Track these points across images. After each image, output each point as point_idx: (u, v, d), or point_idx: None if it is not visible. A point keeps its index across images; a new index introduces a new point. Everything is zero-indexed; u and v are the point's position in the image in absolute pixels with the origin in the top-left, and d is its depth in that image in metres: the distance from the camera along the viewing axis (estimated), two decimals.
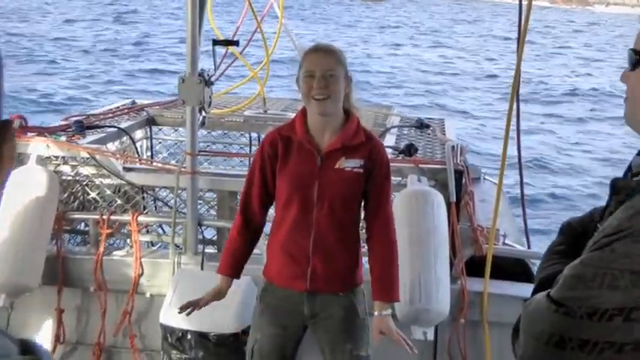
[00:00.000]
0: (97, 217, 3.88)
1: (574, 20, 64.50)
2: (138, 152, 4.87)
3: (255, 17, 5.05)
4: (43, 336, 3.83)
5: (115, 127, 4.56)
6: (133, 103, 5.36)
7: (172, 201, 4.05)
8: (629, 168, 1.38)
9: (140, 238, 3.88)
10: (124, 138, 4.63)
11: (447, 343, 3.66)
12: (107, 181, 4.13)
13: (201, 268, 3.73)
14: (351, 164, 2.70)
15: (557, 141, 16.27)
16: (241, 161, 5.29)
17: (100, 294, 3.81)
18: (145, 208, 4.37)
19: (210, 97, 3.70)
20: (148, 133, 5.18)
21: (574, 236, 1.49)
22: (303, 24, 37.11)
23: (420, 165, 3.80)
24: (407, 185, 3.65)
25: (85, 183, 4.19)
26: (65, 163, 4.08)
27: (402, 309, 3.25)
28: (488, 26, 50.18)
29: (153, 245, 4.25)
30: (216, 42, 4.05)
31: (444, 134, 4.75)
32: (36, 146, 3.90)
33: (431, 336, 3.40)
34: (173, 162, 4.66)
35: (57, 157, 4.02)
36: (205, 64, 3.77)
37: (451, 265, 3.55)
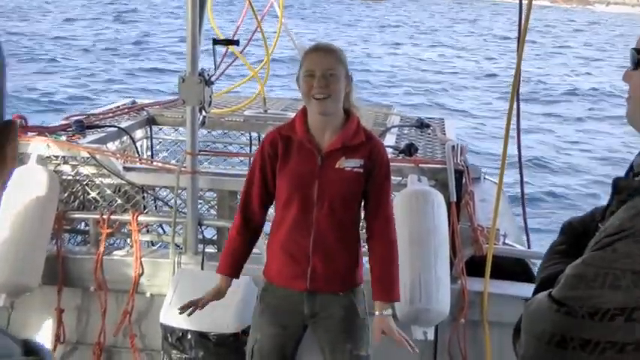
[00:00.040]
0: (97, 216, 3.88)
1: (574, 19, 64.47)
2: (138, 152, 4.87)
3: (255, 16, 5.05)
4: (44, 336, 3.82)
5: (115, 126, 4.57)
6: (133, 102, 5.36)
7: (172, 200, 4.05)
8: (631, 167, 1.38)
9: (140, 238, 3.88)
10: (124, 137, 4.64)
11: (447, 342, 3.66)
12: (107, 180, 4.13)
13: (202, 268, 3.73)
14: (351, 164, 2.70)
15: (556, 140, 16.27)
16: (241, 161, 5.29)
17: (100, 294, 3.81)
18: (145, 207, 4.37)
19: (210, 97, 3.70)
20: (148, 133, 5.18)
21: (575, 236, 1.49)
22: (303, 23, 37.09)
23: (420, 165, 3.79)
24: (407, 185, 3.65)
25: (85, 182, 4.19)
26: (65, 162, 4.08)
27: (402, 309, 3.25)
28: (488, 25, 50.16)
29: (153, 245, 4.25)
30: (216, 41, 4.05)
31: (444, 134, 4.75)
32: (36, 146, 3.89)
33: (431, 336, 3.40)
34: (173, 161, 4.65)
35: (57, 157, 4.02)
36: (205, 63, 3.77)
37: (451, 264, 3.55)
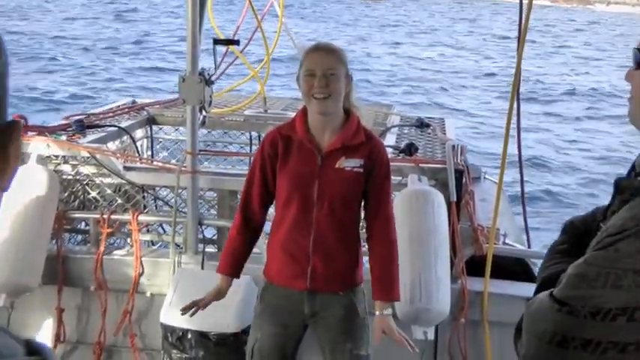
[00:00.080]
0: (98, 216, 3.88)
1: (574, 19, 64.41)
2: (138, 151, 4.87)
3: (255, 16, 5.05)
4: (44, 335, 3.82)
5: (115, 126, 4.57)
6: (134, 102, 5.36)
7: (173, 200, 4.05)
8: (633, 167, 1.38)
9: (140, 238, 3.88)
10: (125, 137, 4.63)
11: (448, 342, 3.65)
12: (107, 180, 4.13)
13: (202, 268, 3.73)
14: (351, 164, 2.70)
15: (555, 139, 16.27)
16: (242, 160, 5.28)
17: (101, 293, 3.81)
18: (145, 207, 4.37)
19: (210, 97, 3.70)
20: (149, 133, 5.18)
21: (576, 235, 1.49)
22: (303, 22, 37.05)
23: (420, 164, 3.79)
24: (407, 185, 3.65)
25: (85, 182, 4.18)
26: (65, 162, 4.07)
27: (403, 308, 3.25)
28: (488, 25, 50.13)
29: (153, 244, 4.25)
30: (216, 41, 4.05)
31: (445, 133, 4.76)
32: (36, 145, 3.89)
33: (431, 336, 3.40)
34: (173, 161, 4.65)
35: (57, 157, 4.01)
36: (205, 62, 3.77)
37: (451, 264, 3.55)
